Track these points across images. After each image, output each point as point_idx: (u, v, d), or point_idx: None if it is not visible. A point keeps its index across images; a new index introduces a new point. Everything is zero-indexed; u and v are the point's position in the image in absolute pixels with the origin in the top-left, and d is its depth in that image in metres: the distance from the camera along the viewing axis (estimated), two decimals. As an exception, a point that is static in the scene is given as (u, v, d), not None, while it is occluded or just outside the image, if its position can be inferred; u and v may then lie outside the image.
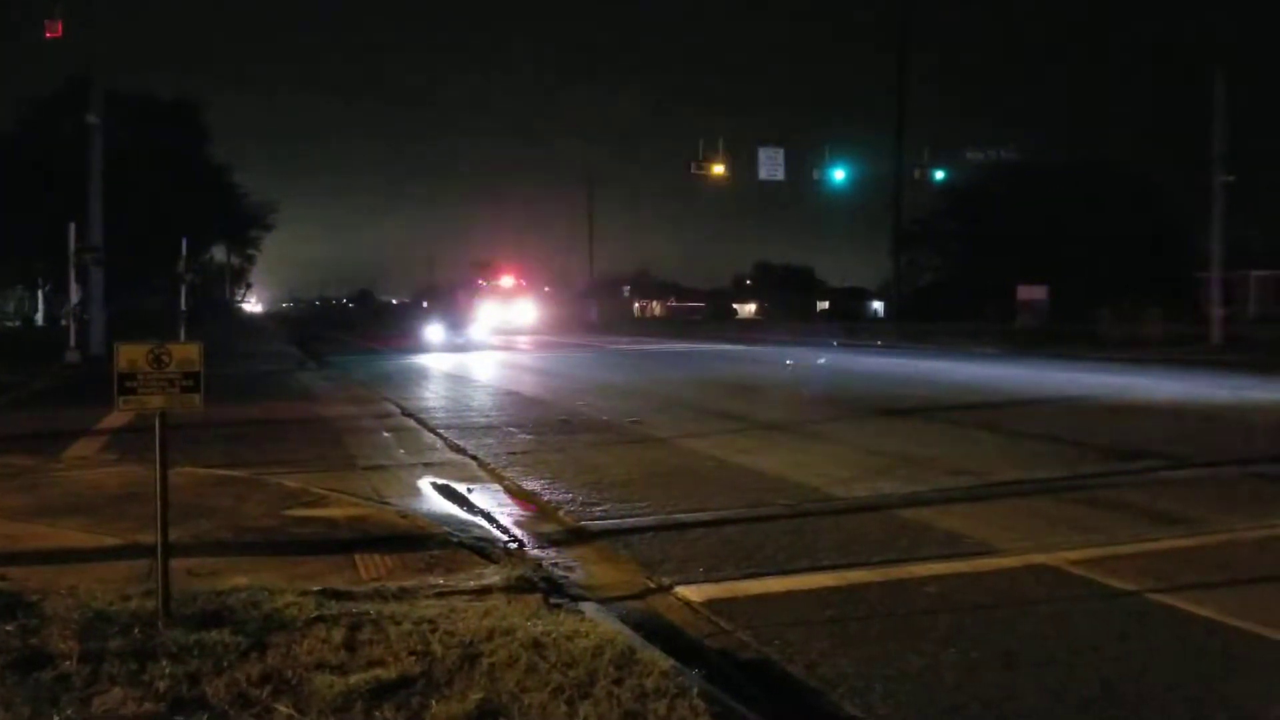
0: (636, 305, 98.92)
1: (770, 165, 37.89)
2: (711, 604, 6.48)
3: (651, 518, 9.10)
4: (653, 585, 6.95)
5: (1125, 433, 14.84)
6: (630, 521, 8.93)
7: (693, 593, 6.73)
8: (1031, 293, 57.71)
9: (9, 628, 5.12)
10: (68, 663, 4.65)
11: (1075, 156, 69.83)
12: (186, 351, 5.64)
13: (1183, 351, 33.95)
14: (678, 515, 9.16)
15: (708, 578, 7.06)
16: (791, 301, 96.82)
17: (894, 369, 27.36)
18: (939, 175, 44.37)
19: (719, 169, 38.00)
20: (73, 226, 29.47)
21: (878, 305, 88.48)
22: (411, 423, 16.12)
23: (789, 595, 6.70)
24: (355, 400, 19.50)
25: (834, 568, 7.29)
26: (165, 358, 5.52)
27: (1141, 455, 12.60)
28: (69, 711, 4.14)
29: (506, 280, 52.82)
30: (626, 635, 5.50)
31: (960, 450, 12.91)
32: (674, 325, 70.47)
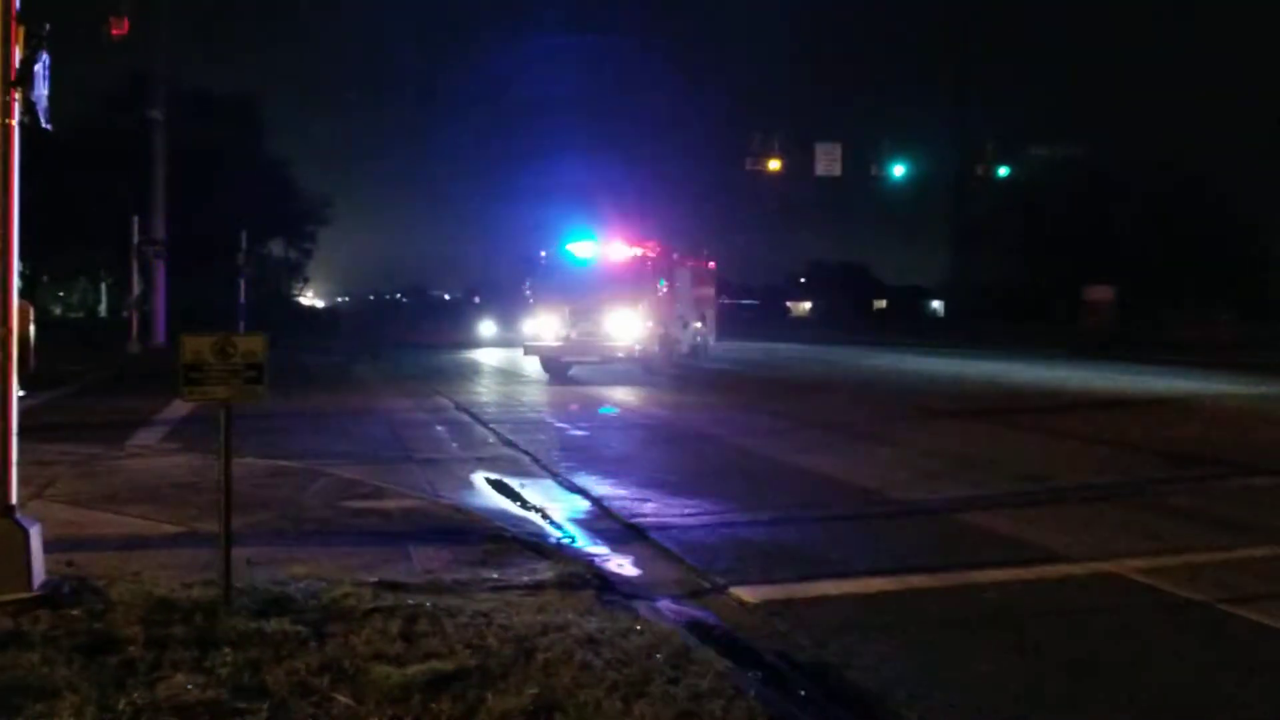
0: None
1: (828, 161, 37.48)
2: (767, 605, 6.41)
3: (705, 517, 9.05)
4: (706, 585, 6.90)
5: (1196, 439, 14.50)
6: (683, 520, 8.89)
7: (747, 593, 6.67)
8: (1098, 292, 56.25)
9: (76, 612, 5.22)
10: (133, 648, 4.71)
11: (1143, 153, 68.39)
12: (250, 343, 5.69)
13: (1256, 355, 33.06)
14: (732, 515, 9.10)
15: (763, 578, 7.00)
16: (848, 300, 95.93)
17: (953, 370, 27.03)
18: (1003, 171, 43.55)
19: (775, 164, 37.74)
20: (136, 220, 30.07)
21: (937, 304, 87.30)
22: (465, 417, 16.23)
23: (846, 598, 6.62)
24: (409, 394, 19.68)
25: (893, 571, 7.18)
26: (230, 349, 5.58)
27: (1214, 461, 12.30)
28: (134, 696, 4.20)
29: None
30: (681, 634, 5.47)
31: (1022, 454, 12.70)
32: (726, 323, 70.13)
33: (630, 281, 22.93)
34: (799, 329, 59.85)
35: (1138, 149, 64.98)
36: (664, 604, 6.32)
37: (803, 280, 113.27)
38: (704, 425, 15.27)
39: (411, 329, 54.76)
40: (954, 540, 8.22)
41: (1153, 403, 19.54)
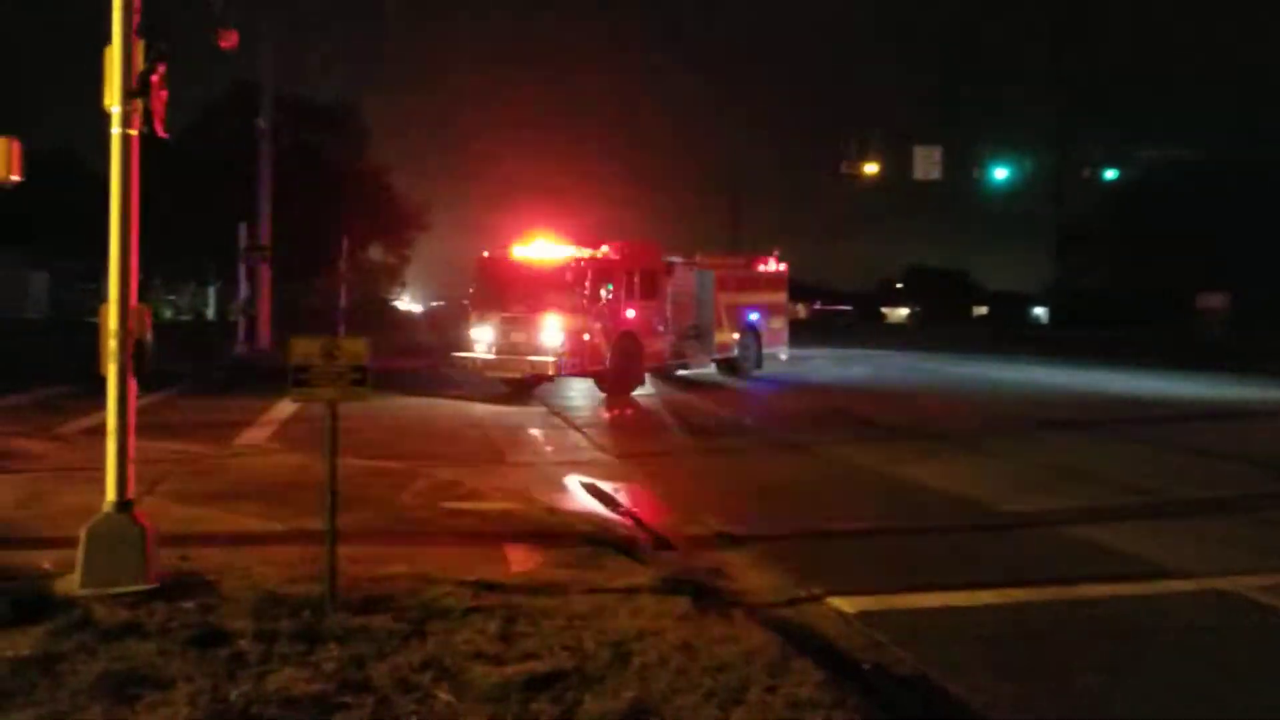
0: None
1: (927, 164, 36.78)
2: (865, 616, 6.32)
3: (801, 526, 8.97)
4: (804, 594, 6.82)
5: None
6: (780, 528, 8.82)
7: (846, 604, 6.58)
8: (1211, 300, 53.95)
9: (189, 605, 5.40)
10: (243, 641, 4.86)
11: (1256, 155, 65.55)
12: (355, 346, 5.84)
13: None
14: (830, 524, 9.00)
15: (861, 589, 6.89)
16: (946, 306, 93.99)
17: (1058, 379, 26.26)
18: (1109, 174, 42.17)
19: (872, 168, 37.21)
20: (243, 226, 31.00)
21: (1040, 310, 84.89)
22: (557, 420, 16.36)
23: (947, 611, 6.49)
24: (502, 397, 19.90)
25: (996, 585, 7.01)
26: (336, 352, 5.72)
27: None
28: (245, 688, 4.33)
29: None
30: (778, 643, 5.42)
31: (1130, 466, 12.30)
32: (820, 330, 69.13)
33: (559, 288, 19.94)
34: (894, 336, 58.80)
35: (1250, 151, 62.33)
36: (760, 612, 6.26)
37: (899, 286, 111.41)
38: (801, 436, 15.12)
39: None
40: (1059, 553, 8.00)
41: (1266, 415, 18.75)
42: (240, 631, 4.98)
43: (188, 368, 22.67)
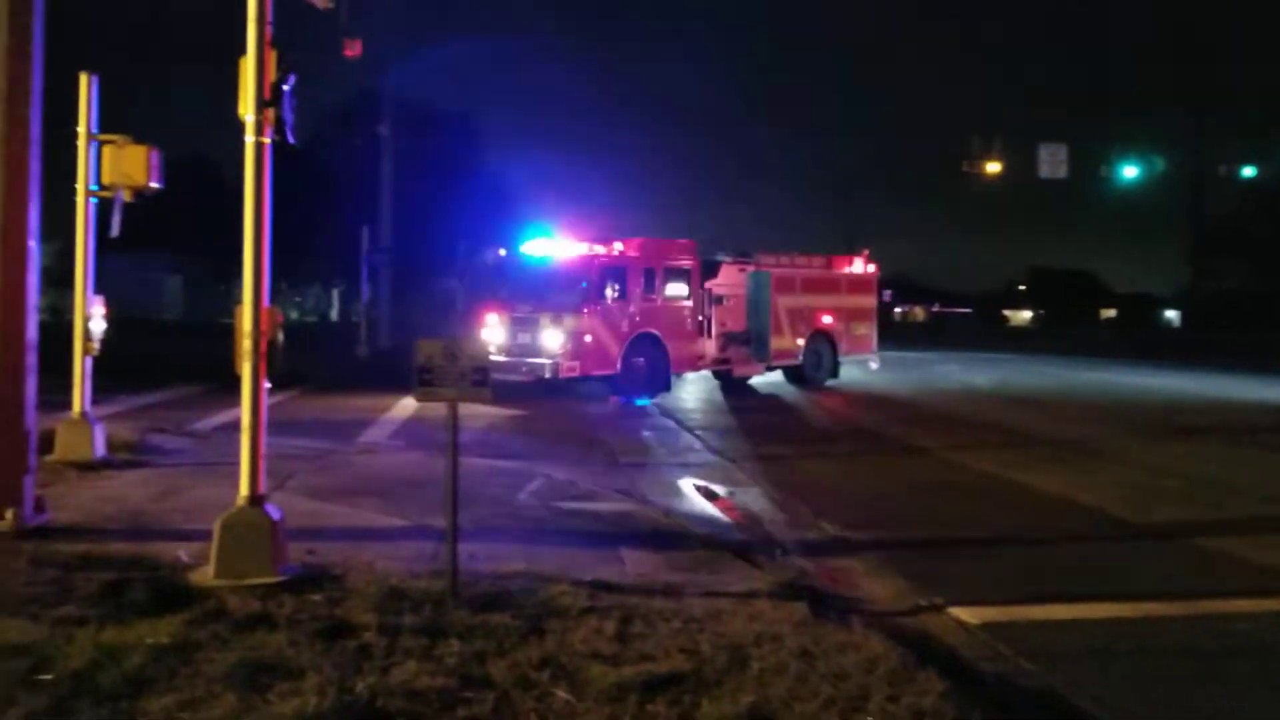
0: (896, 310, 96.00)
1: (1052, 163, 35.63)
2: (989, 627, 6.14)
3: (921, 532, 8.78)
4: (924, 603, 6.67)
5: None
6: (898, 535, 8.65)
7: (968, 614, 6.41)
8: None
9: (317, 597, 5.56)
10: (368, 634, 4.98)
11: None
12: (476, 348, 5.93)
13: None
14: (950, 532, 8.79)
15: (984, 599, 6.70)
16: (1072, 308, 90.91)
17: (1193, 385, 25.18)
18: (1247, 172, 40.18)
19: (994, 167, 36.24)
20: (366, 229, 31.91)
21: (1172, 314, 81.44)
22: (670, 423, 16.36)
23: (1075, 623, 6.26)
24: (614, 399, 19.98)
25: (1128, 597, 6.74)
26: (458, 353, 5.82)
27: None
28: (370, 680, 4.43)
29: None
30: (899, 652, 5.30)
31: (1271, 477, 11.70)
32: (937, 332, 67.44)
33: (564, 287, 19.17)
34: (1017, 339, 56.98)
35: None
36: (879, 620, 6.14)
37: (1022, 288, 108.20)
38: (919, 441, 14.82)
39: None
40: (1195, 566, 7.65)
41: None
42: (365, 625, 5.10)
43: (313, 367, 23.42)
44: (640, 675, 4.66)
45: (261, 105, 6.33)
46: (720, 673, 4.78)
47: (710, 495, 10.18)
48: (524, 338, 19.39)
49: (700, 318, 20.97)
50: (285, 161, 7.71)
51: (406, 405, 16.29)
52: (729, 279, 21.91)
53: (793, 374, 23.36)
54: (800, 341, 23.01)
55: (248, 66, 6.32)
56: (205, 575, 5.95)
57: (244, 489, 6.14)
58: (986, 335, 60.13)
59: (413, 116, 40.47)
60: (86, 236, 10.52)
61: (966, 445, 14.04)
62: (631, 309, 19.70)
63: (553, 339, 18.93)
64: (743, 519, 9.15)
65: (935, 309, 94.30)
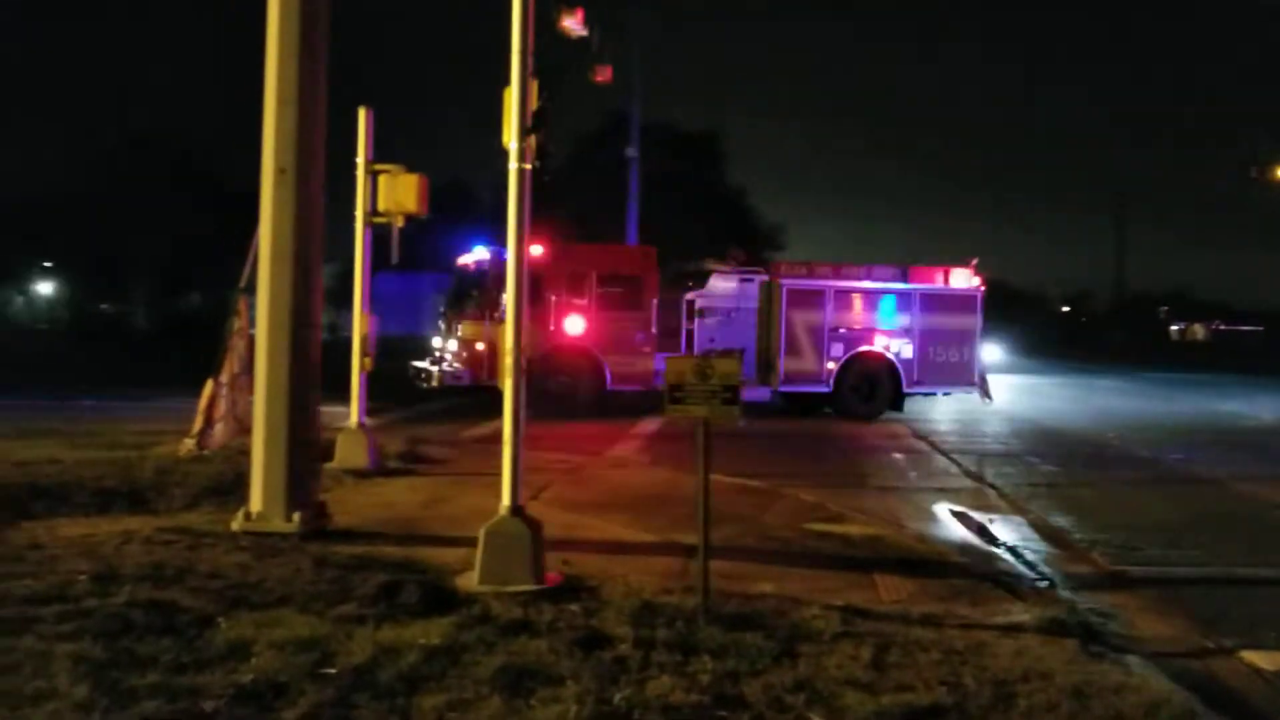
0: (1173, 328, 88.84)
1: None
2: (1289, 675, 5.55)
3: (1205, 569, 8.07)
4: (1210, 645, 6.12)
5: None
6: (1178, 571, 7.99)
7: (1262, 659, 5.84)
8: None
9: (574, 608, 5.70)
10: (623, 646, 5.05)
11: None
12: (728, 365, 5.92)
13: None
14: (1238, 569, 8.03)
15: (1281, 644, 6.06)
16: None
17: None
18: None
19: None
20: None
21: None
22: (922, 445, 15.84)
23: (1396, 679, 5.54)
24: (860, 419, 19.54)
25: None
26: (709, 371, 5.84)
27: None
28: (627, 692, 4.48)
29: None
30: (1183, 696, 4.90)
31: None
32: (1222, 351, 61.85)
33: (471, 295, 18.91)
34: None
35: None
36: (1159, 661, 5.67)
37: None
38: (1201, 469, 13.67)
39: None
40: None
41: None
42: (621, 637, 5.18)
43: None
44: (899, 705, 4.49)
45: (524, 133, 6.60)
46: (984, 708, 4.54)
47: (969, 521, 9.75)
48: (449, 346, 19.41)
49: (653, 330, 19.32)
50: (537, 184, 8.01)
51: (653, 421, 16.58)
52: (722, 290, 19.69)
53: (828, 403, 20.15)
54: (831, 365, 19.77)
55: (510, 97, 6.59)
56: (470, 580, 6.21)
57: (505, 499, 6.39)
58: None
59: (657, 136, 41.36)
60: (364, 260, 11.34)
61: (1257, 475, 12.82)
62: (549, 318, 18.63)
63: (452, 347, 18.94)
64: (1003, 548, 8.70)
65: (1217, 326, 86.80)
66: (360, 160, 11.05)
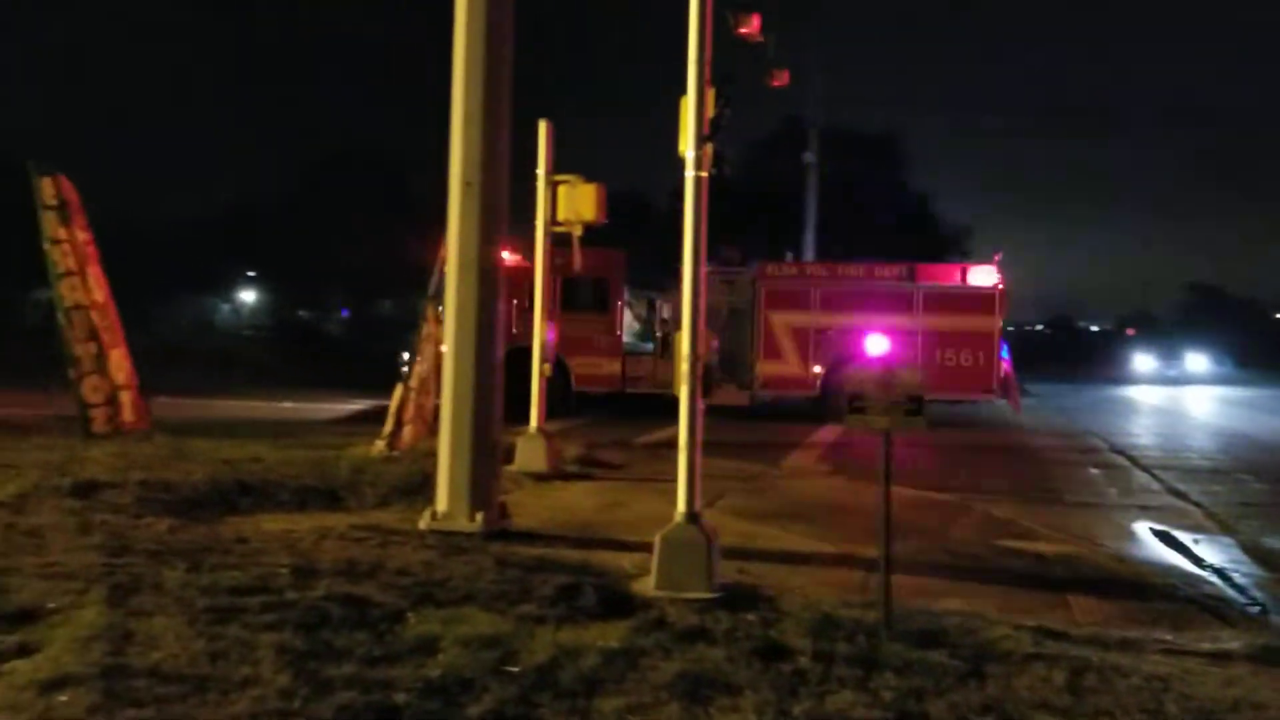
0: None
1: None
2: None
3: None
4: None
5: None
6: None
7: None
8: None
9: (751, 617, 5.63)
10: (802, 658, 4.95)
11: None
12: (912, 377, 5.74)
13: None
14: None
15: None
16: None
17: None
18: None
19: None
20: (789, 254, 32.57)
21: None
22: (1120, 460, 15.00)
23: None
24: (1056, 431, 18.74)
25: None
26: (892, 382, 5.68)
27: None
28: (807, 705, 4.39)
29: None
30: None
31: None
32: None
33: None
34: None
35: None
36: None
37: None
38: None
39: (1055, 362, 52.33)
40: None
41: None
42: (800, 649, 5.08)
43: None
44: (1097, 733, 4.24)
45: (701, 141, 6.59)
46: (1191, 741, 4.24)
47: (1170, 541, 9.16)
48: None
49: (618, 333, 18.79)
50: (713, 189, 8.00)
51: (830, 430, 16.31)
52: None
53: (814, 410, 18.45)
54: (818, 369, 18.43)
55: (688, 106, 6.60)
56: (646, 585, 6.24)
57: (681, 505, 6.38)
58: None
59: (836, 140, 40.80)
60: (546, 268, 11.60)
61: None
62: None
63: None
64: (1210, 571, 8.13)
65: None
66: (540, 172, 11.32)
